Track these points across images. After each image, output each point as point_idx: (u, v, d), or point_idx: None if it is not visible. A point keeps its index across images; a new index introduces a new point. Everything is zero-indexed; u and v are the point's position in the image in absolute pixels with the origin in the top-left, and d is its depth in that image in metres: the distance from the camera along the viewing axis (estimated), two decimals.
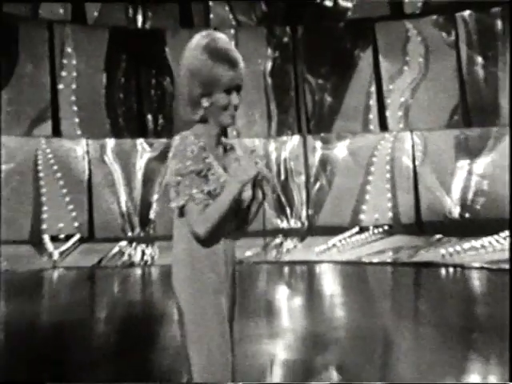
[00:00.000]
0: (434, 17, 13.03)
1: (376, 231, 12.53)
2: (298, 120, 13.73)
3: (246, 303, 6.76)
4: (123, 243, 12.23)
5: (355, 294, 8.49)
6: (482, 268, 9.57)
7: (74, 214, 12.75)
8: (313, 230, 12.93)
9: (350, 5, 13.57)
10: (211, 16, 13.79)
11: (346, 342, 6.03)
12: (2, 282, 9.48)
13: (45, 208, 12.58)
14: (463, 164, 12.74)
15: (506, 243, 10.76)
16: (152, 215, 13.23)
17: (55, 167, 12.84)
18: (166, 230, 12.19)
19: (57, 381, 5.00)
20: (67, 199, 12.78)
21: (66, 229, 12.60)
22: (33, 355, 5.74)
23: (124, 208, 13.15)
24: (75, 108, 13.16)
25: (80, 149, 13.08)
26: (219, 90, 2.73)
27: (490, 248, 10.64)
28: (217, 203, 2.68)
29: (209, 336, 2.70)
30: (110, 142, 13.28)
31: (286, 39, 13.82)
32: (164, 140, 13.36)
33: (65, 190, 12.80)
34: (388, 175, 13.02)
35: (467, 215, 12.60)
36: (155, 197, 13.25)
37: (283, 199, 13.17)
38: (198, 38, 2.81)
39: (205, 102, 2.76)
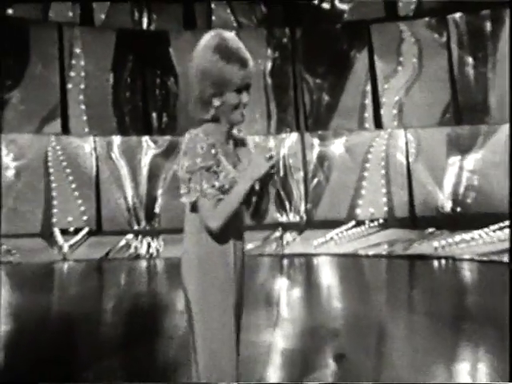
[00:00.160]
0: (427, 19, 13.02)
1: (372, 225, 12.53)
2: (297, 118, 13.72)
3: (246, 294, 6.79)
4: (130, 236, 12.24)
5: (352, 285, 8.53)
6: (472, 260, 9.60)
7: (82, 208, 12.76)
8: (311, 224, 12.92)
9: (346, 7, 13.56)
10: (213, 18, 13.77)
11: (344, 330, 6.06)
12: (15, 274, 9.54)
13: (55, 202, 12.60)
14: (454, 160, 12.75)
15: (496, 236, 10.80)
16: (157, 209, 13.23)
17: (64, 163, 12.84)
18: (171, 224, 12.38)
19: (68, 365, 5.07)
20: (76, 194, 12.78)
21: (75, 222, 12.62)
22: (45, 342, 5.80)
23: (130, 202, 13.15)
24: (83, 107, 13.16)
25: (88, 146, 13.08)
26: (230, 89, 2.69)
27: (480, 241, 10.67)
28: (229, 198, 2.68)
29: (214, 327, 2.69)
30: (117, 139, 13.28)
31: (285, 40, 13.80)
32: (168, 137, 13.38)
33: (74, 185, 12.81)
34: (383, 171, 13.03)
35: (458, 209, 12.61)
36: (160, 191, 13.26)
37: (282, 194, 13.17)
38: (208, 38, 2.74)
39: (216, 102, 2.72)
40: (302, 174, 13.36)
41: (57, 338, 6.05)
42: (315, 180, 13.33)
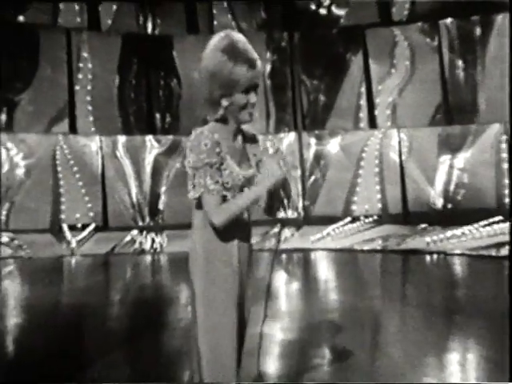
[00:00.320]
0: (419, 24, 13.03)
1: (366, 221, 12.54)
2: (295, 118, 13.72)
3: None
4: (134, 232, 12.26)
5: (347, 279, 8.54)
6: (462, 254, 9.62)
7: (89, 204, 12.76)
8: (308, 220, 12.96)
9: (342, 13, 13.56)
10: (215, 23, 13.77)
11: (340, 321, 6.08)
12: (26, 268, 9.58)
13: (63, 199, 12.61)
14: (445, 159, 12.76)
15: (485, 231, 10.83)
16: (160, 206, 13.24)
17: (72, 162, 12.85)
18: (174, 220, 12.39)
19: (79, 352, 5.11)
20: (83, 191, 12.79)
21: (83, 218, 12.63)
22: (56, 331, 5.84)
23: (135, 199, 13.16)
24: (90, 107, 13.16)
25: (94, 145, 13.08)
26: (238, 90, 2.65)
27: (470, 236, 10.69)
28: (237, 199, 2.67)
29: (216, 320, 2.68)
30: (122, 139, 13.28)
31: (283, 44, 13.80)
32: (171, 137, 13.39)
33: (81, 183, 12.82)
34: (377, 169, 13.03)
35: (449, 206, 12.62)
36: (163, 189, 13.26)
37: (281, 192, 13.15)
38: (217, 40, 2.68)
39: (224, 102, 2.68)
40: (299, 171, 13.36)
41: (67, 328, 6.09)
42: (312, 178, 13.35)
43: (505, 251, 9.45)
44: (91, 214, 12.75)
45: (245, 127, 2.88)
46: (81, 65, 13.10)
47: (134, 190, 13.16)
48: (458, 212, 12.30)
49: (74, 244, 11.12)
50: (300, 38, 13.69)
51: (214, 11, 13.82)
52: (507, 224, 11.02)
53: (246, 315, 2.90)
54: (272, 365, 4.80)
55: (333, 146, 13.38)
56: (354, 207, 12.97)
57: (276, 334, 5.58)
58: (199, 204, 2.70)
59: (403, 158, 12.95)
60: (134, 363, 5.03)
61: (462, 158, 12.67)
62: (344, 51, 13.52)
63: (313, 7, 13.66)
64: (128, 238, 11.75)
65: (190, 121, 12.76)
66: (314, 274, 9.46)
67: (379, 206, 12.93)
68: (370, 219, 12.67)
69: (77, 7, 13.20)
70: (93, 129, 13.18)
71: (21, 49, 12.36)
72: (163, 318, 6.39)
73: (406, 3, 13.20)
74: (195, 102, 12.72)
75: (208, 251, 2.71)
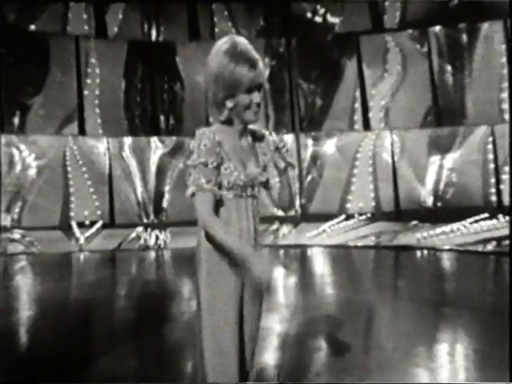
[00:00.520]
0: (410, 31, 13.06)
1: (360, 218, 12.60)
2: (292, 120, 13.74)
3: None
4: (139, 229, 12.28)
5: (342, 273, 8.55)
6: (451, 250, 9.63)
7: (97, 203, 12.79)
8: (305, 218, 12.97)
9: (337, 20, 13.58)
10: (216, 30, 13.79)
11: (335, 313, 6.08)
12: (37, 264, 9.58)
13: (72, 198, 12.65)
14: (435, 159, 12.79)
15: (472, 228, 10.86)
16: (164, 204, 13.25)
17: (81, 162, 12.88)
18: (177, 217, 12.39)
19: (88, 340, 5.13)
20: (91, 190, 12.82)
21: (91, 216, 12.67)
22: (66, 323, 5.86)
23: (140, 198, 13.17)
24: (98, 110, 13.19)
25: (102, 146, 13.10)
26: (241, 90, 2.58)
27: (458, 232, 10.72)
28: (227, 236, 2.58)
29: (218, 315, 2.64)
30: (128, 140, 13.30)
31: (281, 50, 13.81)
32: (174, 138, 13.41)
33: (89, 182, 12.84)
34: (370, 169, 13.05)
35: (439, 204, 12.66)
36: (167, 187, 13.27)
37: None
38: (220, 44, 2.64)
39: (229, 104, 2.61)
40: (296, 171, 13.36)
41: (76, 319, 6.13)
42: (309, 177, 13.36)
43: (491, 247, 9.50)
44: (99, 211, 12.77)
45: (253, 127, 2.81)
46: (89, 70, 13.14)
47: (139, 189, 13.17)
48: (447, 210, 12.34)
49: (82, 240, 11.14)
50: (297, 44, 13.71)
51: (215, 19, 13.84)
52: (493, 221, 11.08)
53: (249, 317, 2.80)
54: (269, 356, 4.81)
55: (329, 146, 13.39)
56: (348, 205, 13.00)
57: (274, 326, 5.59)
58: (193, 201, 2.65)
59: (395, 158, 12.98)
60: (139, 354, 5.03)
61: (450, 159, 12.70)
62: (339, 57, 13.54)
63: (309, 15, 13.68)
64: (133, 235, 11.77)
65: (192, 122, 12.78)
66: (311, 268, 9.45)
67: (373, 204, 12.95)
68: (364, 217, 12.70)
69: (85, 16, 13.25)
70: (100, 131, 13.20)
71: (32, 55, 12.48)
72: (167, 311, 6.40)
73: (397, 12, 13.22)
74: (198, 105, 12.75)
75: (210, 247, 2.66)
